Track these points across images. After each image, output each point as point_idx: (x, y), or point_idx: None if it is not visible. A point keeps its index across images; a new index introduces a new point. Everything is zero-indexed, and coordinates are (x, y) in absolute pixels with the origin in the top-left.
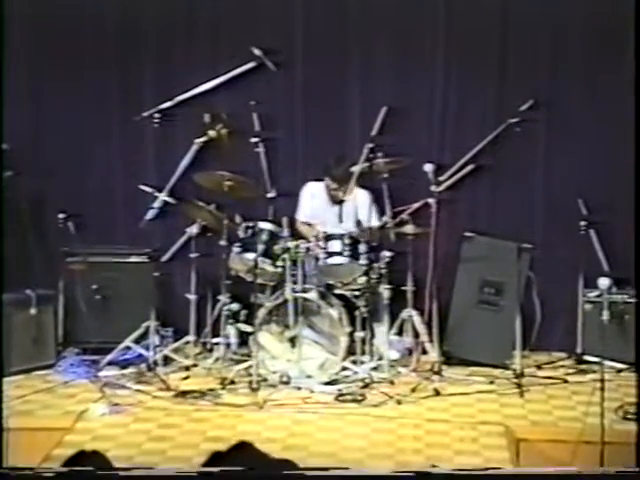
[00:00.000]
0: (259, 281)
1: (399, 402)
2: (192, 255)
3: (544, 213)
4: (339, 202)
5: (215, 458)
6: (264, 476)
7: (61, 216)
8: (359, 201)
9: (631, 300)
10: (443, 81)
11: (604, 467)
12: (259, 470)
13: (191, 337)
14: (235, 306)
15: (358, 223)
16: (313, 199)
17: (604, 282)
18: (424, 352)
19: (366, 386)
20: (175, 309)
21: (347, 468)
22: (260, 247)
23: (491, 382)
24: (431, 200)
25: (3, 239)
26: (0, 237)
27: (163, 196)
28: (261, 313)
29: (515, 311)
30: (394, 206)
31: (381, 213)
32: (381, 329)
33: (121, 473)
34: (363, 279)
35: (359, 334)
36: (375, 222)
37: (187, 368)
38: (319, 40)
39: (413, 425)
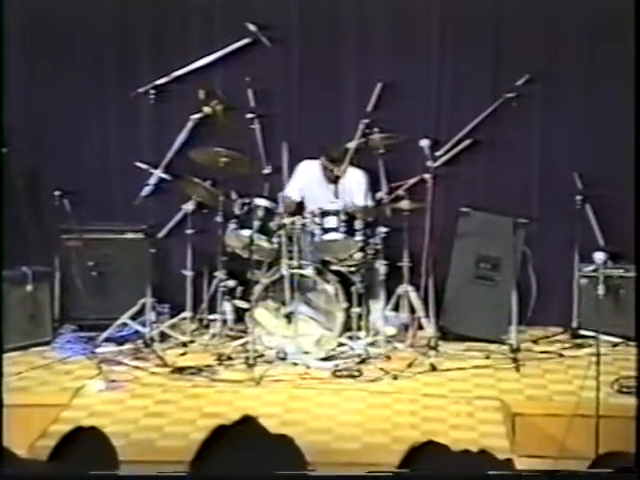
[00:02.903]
0: (255, 257)
1: (395, 377)
2: (188, 231)
3: (540, 188)
4: (335, 180)
5: (219, 432)
6: (265, 476)
7: (57, 193)
8: (354, 181)
9: (626, 274)
10: (439, 56)
11: (599, 441)
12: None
13: (188, 313)
14: (231, 282)
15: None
16: (308, 178)
17: (599, 256)
18: (420, 327)
19: (362, 362)
20: (171, 285)
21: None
22: (256, 223)
23: (487, 357)
24: (427, 175)
25: (3, 217)
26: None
27: (159, 173)
28: (257, 289)
29: (511, 286)
30: (390, 182)
31: (377, 189)
32: (377, 305)
33: (121, 473)
34: (359, 255)
35: (355, 310)
36: (370, 202)
37: (184, 344)
38: (315, 16)
39: (409, 400)
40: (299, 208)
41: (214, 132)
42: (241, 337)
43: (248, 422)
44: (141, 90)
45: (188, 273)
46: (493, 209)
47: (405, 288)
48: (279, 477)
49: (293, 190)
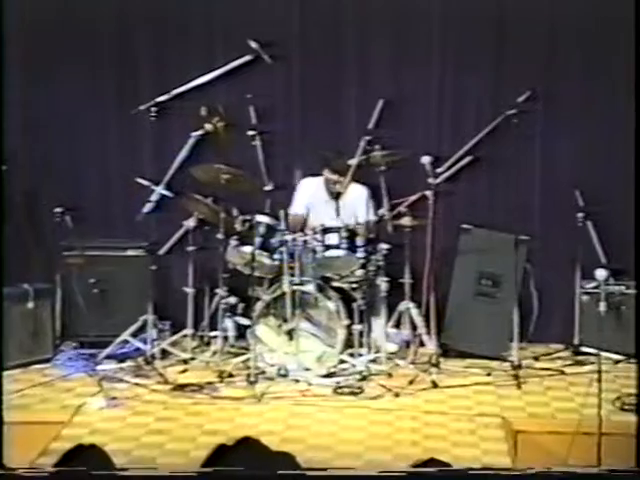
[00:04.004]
0: (256, 274)
1: (397, 394)
2: (189, 248)
3: (541, 205)
4: (337, 196)
5: (220, 451)
6: (263, 476)
7: (58, 210)
8: (356, 196)
9: (628, 291)
10: (440, 73)
11: (601, 458)
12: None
13: (189, 330)
14: (233, 299)
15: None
16: (309, 195)
17: (601, 273)
18: (422, 344)
19: (364, 379)
20: (173, 302)
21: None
22: (257, 240)
23: (489, 374)
24: (428, 192)
25: (4, 233)
26: (0, 231)
27: (160, 189)
28: (259, 306)
29: (512, 303)
30: (392, 198)
31: (378, 206)
32: (379, 321)
33: (119, 473)
34: (360, 271)
35: (357, 327)
36: (372, 217)
37: (185, 361)
38: (316, 32)
39: (411, 417)
40: (305, 224)
41: (215, 149)
42: (242, 354)
43: (249, 442)
44: (142, 107)
45: (189, 290)
46: (494, 226)
47: (406, 305)
48: (279, 477)
49: (297, 208)
